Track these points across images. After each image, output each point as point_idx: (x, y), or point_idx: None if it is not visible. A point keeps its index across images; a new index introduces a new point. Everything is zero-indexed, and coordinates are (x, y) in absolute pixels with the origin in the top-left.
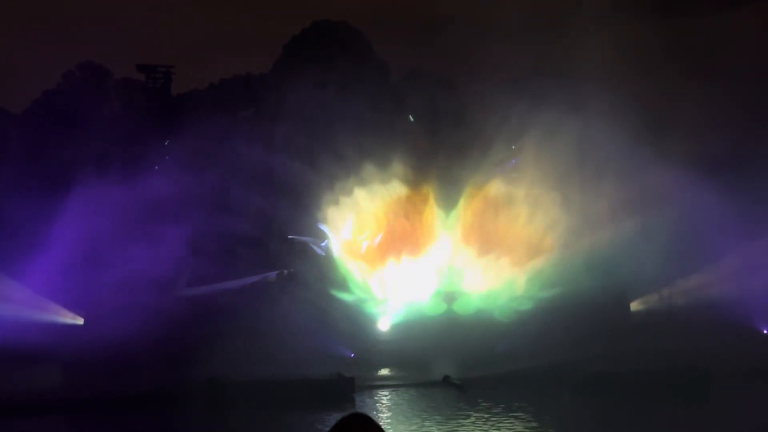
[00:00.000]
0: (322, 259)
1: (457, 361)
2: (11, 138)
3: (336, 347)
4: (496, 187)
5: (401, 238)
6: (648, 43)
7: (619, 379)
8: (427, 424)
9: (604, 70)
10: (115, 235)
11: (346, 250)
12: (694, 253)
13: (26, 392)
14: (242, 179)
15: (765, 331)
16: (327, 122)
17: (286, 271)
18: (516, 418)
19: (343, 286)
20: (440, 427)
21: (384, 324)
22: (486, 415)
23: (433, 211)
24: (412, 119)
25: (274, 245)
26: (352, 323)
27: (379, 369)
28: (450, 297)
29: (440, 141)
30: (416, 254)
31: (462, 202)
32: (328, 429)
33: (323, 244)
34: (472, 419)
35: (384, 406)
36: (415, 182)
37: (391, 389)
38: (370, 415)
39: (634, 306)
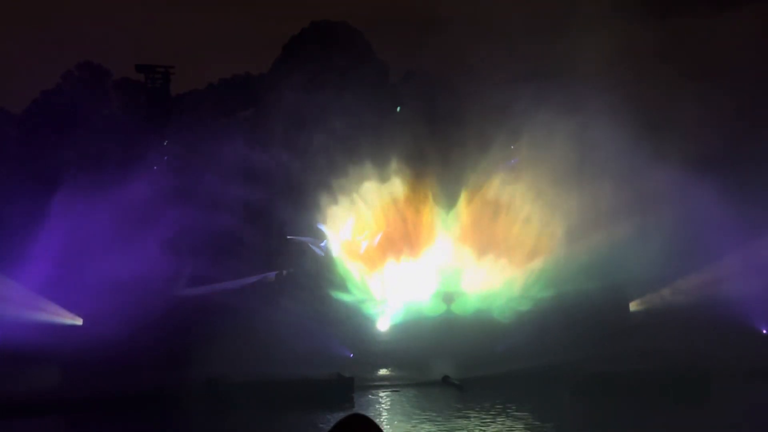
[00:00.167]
0: (321, 260)
1: (457, 362)
2: (10, 138)
3: (335, 347)
4: (495, 188)
5: (400, 238)
6: (647, 43)
7: (619, 380)
8: (426, 424)
9: (603, 71)
10: (114, 235)
11: (345, 250)
12: (694, 253)
13: (26, 392)
14: (241, 179)
15: (765, 331)
16: (326, 122)
17: (285, 272)
18: (515, 418)
19: (342, 286)
20: (440, 427)
21: (383, 324)
22: (485, 416)
23: (433, 212)
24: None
25: (273, 245)
26: (352, 323)
27: (379, 369)
28: (449, 297)
29: (439, 141)
30: (415, 254)
31: (461, 203)
32: (327, 429)
33: (322, 244)
34: (472, 419)
35: (383, 406)
36: (414, 182)
37: (390, 389)
38: (370, 415)
39: (634, 306)
